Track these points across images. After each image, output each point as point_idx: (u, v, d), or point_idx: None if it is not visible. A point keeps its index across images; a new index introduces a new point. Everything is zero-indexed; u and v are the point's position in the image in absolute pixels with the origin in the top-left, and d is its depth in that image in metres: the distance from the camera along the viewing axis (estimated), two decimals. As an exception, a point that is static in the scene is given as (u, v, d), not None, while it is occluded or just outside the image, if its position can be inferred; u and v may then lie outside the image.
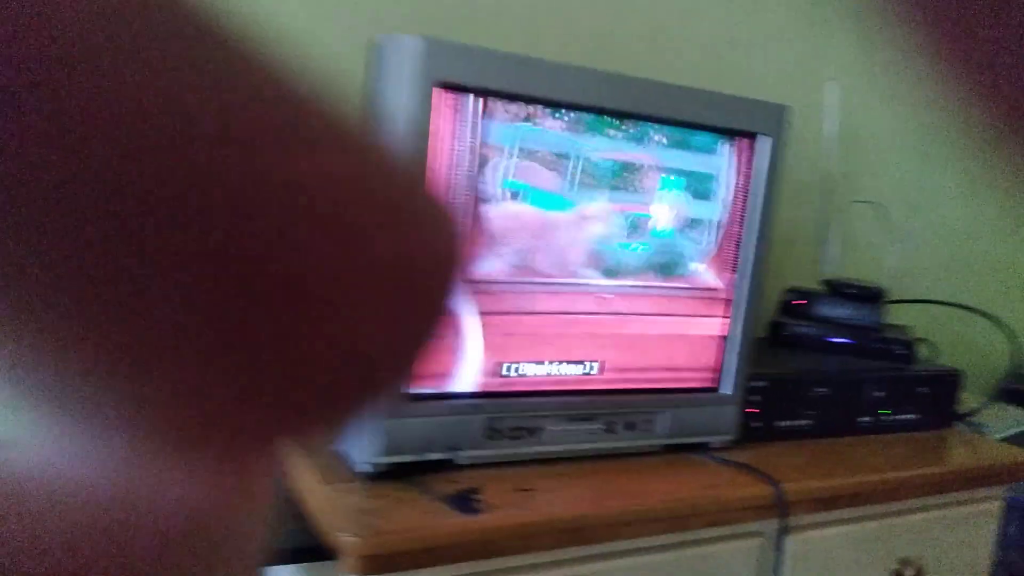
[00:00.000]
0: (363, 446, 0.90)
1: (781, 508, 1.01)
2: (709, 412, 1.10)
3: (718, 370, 1.10)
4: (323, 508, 0.87)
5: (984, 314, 1.46)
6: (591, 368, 1.02)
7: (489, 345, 0.96)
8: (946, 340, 1.61)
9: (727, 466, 1.07)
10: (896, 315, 1.47)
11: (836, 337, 1.35)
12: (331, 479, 0.90)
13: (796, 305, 1.42)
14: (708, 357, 1.09)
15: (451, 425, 0.94)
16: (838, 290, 1.39)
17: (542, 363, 0.99)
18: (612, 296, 1.00)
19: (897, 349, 1.33)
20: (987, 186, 1.90)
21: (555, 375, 1.00)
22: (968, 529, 1.23)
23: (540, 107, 0.91)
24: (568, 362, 1.00)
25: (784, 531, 1.03)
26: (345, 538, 0.79)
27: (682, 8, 1.44)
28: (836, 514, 1.09)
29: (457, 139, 0.87)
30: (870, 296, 1.39)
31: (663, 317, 1.05)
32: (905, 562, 1.15)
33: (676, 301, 1.05)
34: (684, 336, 1.07)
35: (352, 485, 0.90)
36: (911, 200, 1.77)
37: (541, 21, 1.30)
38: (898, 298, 1.52)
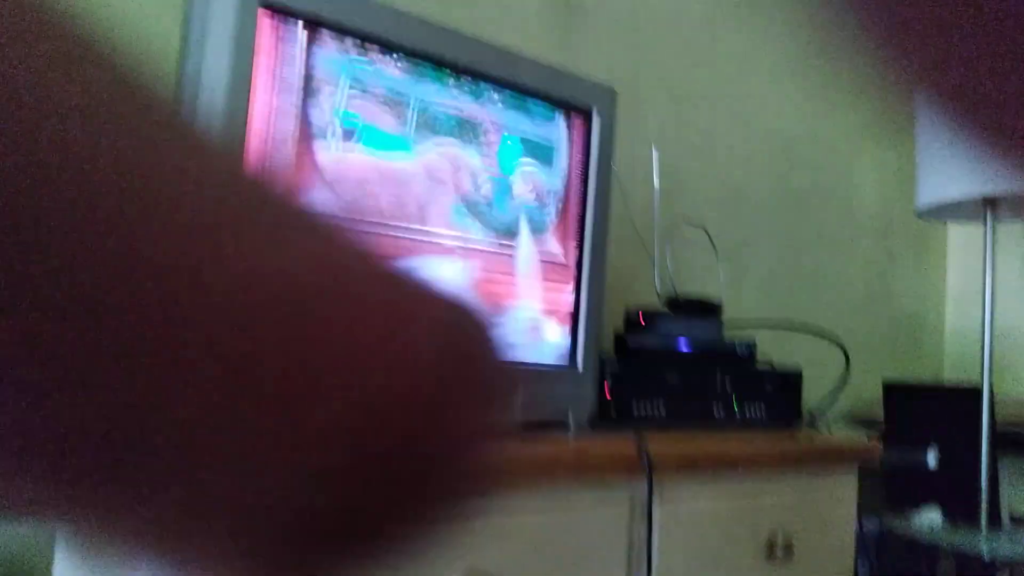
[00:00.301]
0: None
1: (646, 463, 0.97)
2: (565, 389, 1.07)
3: (570, 346, 1.08)
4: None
5: (815, 333, 1.54)
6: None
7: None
8: (780, 359, 1.67)
9: (588, 435, 1.03)
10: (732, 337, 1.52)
11: (679, 345, 1.37)
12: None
13: (638, 323, 1.44)
14: (558, 331, 1.07)
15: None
16: (677, 306, 1.43)
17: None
18: (454, 249, 0.98)
19: (740, 350, 1.36)
20: (794, 248, 2.07)
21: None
22: (827, 508, 1.23)
23: (374, 46, 0.91)
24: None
25: (651, 493, 0.98)
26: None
27: None
28: (704, 489, 1.06)
29: (284, 65, 0.85)
30: (709, 310, 1.43)
31: (509, 279, 1.03)
32: (773, 537, 1.12)
33: (521, 265, 1.04)
34: (533, 305, 1.05)
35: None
36: (727, 244, 1.89)
37: None
38: (730, 317, 1.57)
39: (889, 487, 1.84)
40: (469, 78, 0.98)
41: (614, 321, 1.47)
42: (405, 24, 0.93)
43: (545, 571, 0.91)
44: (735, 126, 1.91)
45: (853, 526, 1.27)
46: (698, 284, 1.70)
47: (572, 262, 1.09)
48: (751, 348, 1.37)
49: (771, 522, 1.14)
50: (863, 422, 2.06)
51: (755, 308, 1.93)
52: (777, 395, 1.33)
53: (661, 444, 1.03)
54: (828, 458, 1.22)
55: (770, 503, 1.14)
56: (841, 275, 2.20)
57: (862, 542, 1.76)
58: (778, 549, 1.12)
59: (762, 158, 1.98)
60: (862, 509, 1.63)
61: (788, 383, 1.36)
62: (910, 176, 2.34)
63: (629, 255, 1.59)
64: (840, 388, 1.47)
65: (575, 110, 1.09)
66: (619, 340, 1.40)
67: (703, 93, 1.84)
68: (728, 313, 1.76)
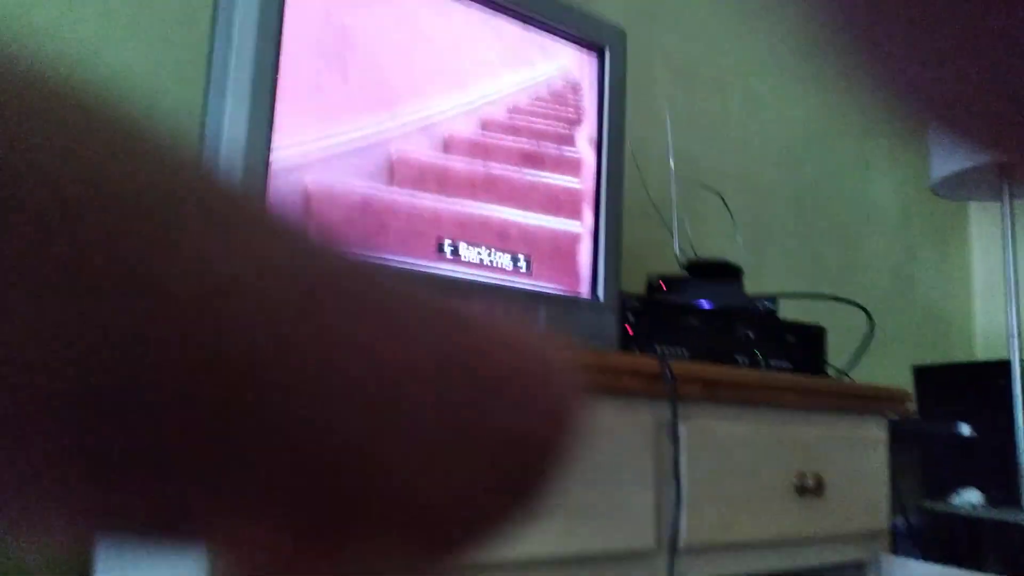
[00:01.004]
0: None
1: (670, 381, 0.96)
2: (588, 318, 1.06)
3: (591, 276, 1.08)
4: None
5: (838, 299, 1.53)
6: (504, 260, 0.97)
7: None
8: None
9: (613, 352, 1.02)
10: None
11: (704, 303, 1.36)
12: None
13: (661, 288, 1.43)
14: (579, 262, 1.07)
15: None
16: (699, 269, 1.42)
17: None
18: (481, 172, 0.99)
19: (763, 305, 1.35)
20: (806, 240, 2.06)
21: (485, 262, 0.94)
22: (858, 454, 1.20)
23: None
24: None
25: (676, 411, 0.96)
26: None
27: None
28: (729, 411, 1.04)
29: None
30: (730, 272, 1.42)
31: (530, 205, 1.03)
32: (803, 473, 1.09)
33: (543, 188, 1.05)
34: (553, 231, 1.06)
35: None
36: (748, 206, 1.89)
37: None
38: (750, 291, 1.56)
39: (926, 474, 1.79)
40: (478, 5, 1.01)
41: (635, 289, 1.47)
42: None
43: (571, 485, 0.89)
44: (746, 114, 1.94)
45: (886, 477, 1.23)
46: (717, 254, 1.69)
47: (590, 192, 1.10)
48: (773, 304, 1.36)
49: (801, 457, 1.11)
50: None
51: (772, 285, 1.92)
52: (800, 349, 1.32)
53: (685, 369, 1.01)
54: (855, 401, 1.20)
55: (799, 438, 1.12)
56: (862, 269, 2.19)
57: (906, 530, 1.70)
58: (809, 482, 1.09)
59: (775, 148, 2.00)
60: (901, 501, 1.59)
61: (812, 337, 1.34)
62: (926, 166, 2.34)
63: (647, 227, 1.60)
64: (865, 347, 1.45)
65: (588, 46, 1.12)
66: (643, 300, 1.39)
67: (713, 80, 1.87)
68: (748, 286, 1.75)
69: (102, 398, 0.10)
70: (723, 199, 1.57)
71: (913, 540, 1.71)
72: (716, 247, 1.74)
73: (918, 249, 2.34)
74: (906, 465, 1.96)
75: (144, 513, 0.11)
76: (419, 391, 0.13)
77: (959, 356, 2.32)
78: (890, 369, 2.16)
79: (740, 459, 1.04)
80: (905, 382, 2.10)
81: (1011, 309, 1.65)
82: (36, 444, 0.10)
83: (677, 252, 1.46)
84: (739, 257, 1.63)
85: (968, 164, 1.60)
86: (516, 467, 0.14)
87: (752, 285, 1.81)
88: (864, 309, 1.47)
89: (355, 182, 0.89)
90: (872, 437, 1.22)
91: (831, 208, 2.12)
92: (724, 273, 1.42)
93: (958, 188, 1.78)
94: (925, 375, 1.84)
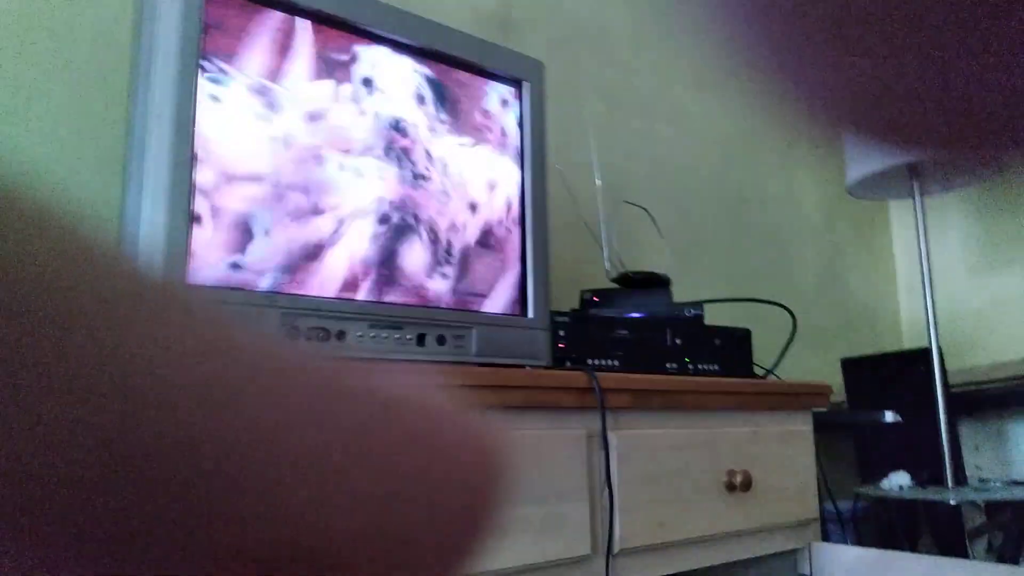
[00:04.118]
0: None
1: (599, 393, 1.01)
2: (520, 336, 1.11)
3: (522, 297, 1.13)
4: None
5: (764, 301, 1.60)
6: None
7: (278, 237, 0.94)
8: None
9: (543, 370, 1.06)
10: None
11: (633, 314, 1.42)
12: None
13: (593, 301, 1.49)
14: (509, 283, 1.12)
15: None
16: (628, 281, 1.48)
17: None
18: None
19: (688, 312, 1.41)
20: (739, 243, 2.14)
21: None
22: (785, 449, 1.26)
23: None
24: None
25: (604, 420, 1.01)
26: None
27: None
28: (658, 418, 1.10)
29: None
30: (658, 282, 1.48)
31: (456, 224, 1.08)
32: (732, 471, 1.15)
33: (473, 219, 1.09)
34: (483, 259, 1.10)
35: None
36: (675, 245, 1.96)
37: None
38: (679, 300, 1.63)
39: (859, 460, 1.87)
40: (391, 48, 1.06)
41: (570, 305, 1.52)
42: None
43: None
44: (669, 128, 2.01)
45: (813, 468, 1.30)
46: (648, 268, 1.76)
47: (515, 216, 1.14)
48: (699, 312, 1.42)
49: (730, 456, 1.17)
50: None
51: (712, 288, 1.99)
52: (728, 352, 1.38)
53: (614, 380, 1.06)
54: (780, 398, 1.26)
55: (726, 439, 1.18)
56: (790, 271, 2.27)
57: (837, 518, 1.78)
58: (738, 479, 1.14)
59: (699, 158, 2.07)
60: (830, 487, 1.66)
61: (738, 341, 1.41)
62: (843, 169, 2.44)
63: (579, 245, 1.65)
64: (789, 345, 1.52)
65: (507, 81, 1.17)
66: (576, 314, 1.45)
67: (635, 98, 1.94)
68: (676, 295, 1.82)
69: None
70: (649, 213, 1.64)
71: (844, 525, 1.78)
72: (646, 260, 1.80)
73: (843, 247, 2.44)
74: (839, 453, 2.04)
75: None
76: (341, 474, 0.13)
77: (888, 347, 2.42)
78: (823, 363, 2.25)
79: (670, 462, 1.10)
80: (837, 375, 2.19)
81: (928, 300, 1.75)
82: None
83: (607, 267, 1.52)
84: (668, 268, 1.69)
85: (879, 166, 1.69)
86: (452, 527, 0.15)
87: (683, 294, 1.88)
88: (786, 308, 1.55)
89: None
90: (798, 431, 1.29)
91: (758, 214, 2.21)
92: (653, 284, 1.48)
93: (873, 188, 1.87)
94: (852, 366, 1.93)
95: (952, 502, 1.54)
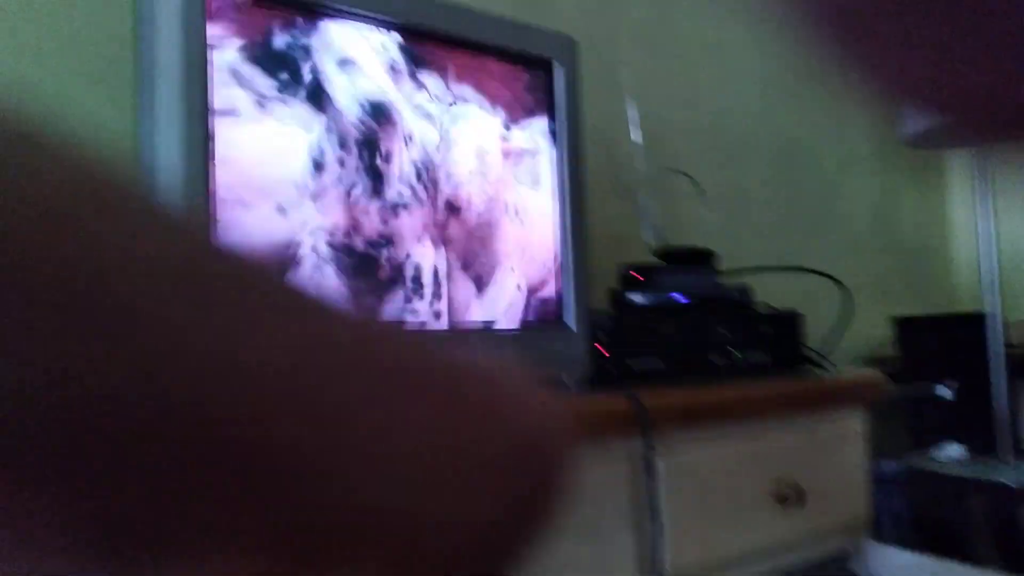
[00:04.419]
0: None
1: (643, 421, 0.94)
2: (558, 347, 1.04)
3: (558, 304, 1.06)
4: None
5: (813, 271, 1.51)
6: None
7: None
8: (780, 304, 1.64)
9: (584, 392, 1.00)
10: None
11: (676, 296, 1.34)
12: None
13: (634, 278, 1.41)
14: (548, 290, 1.05)
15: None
16: (670, 257, 1.39)
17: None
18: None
19: (735, 295, 1.33)
20: (785, 191, 2.03)
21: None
22: (839, 452, 1.20)
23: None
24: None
25: (651, 448, 0.95)
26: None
27: None
28: (705, 434, 1.03)
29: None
30: (702, 257, 1.40)
31: (491, 239, 1.00)
32: (781, 482, 1.10)
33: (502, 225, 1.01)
34: (518, 266, 1.02)
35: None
36: (718, 191, 1.85)
37: None
38: (726, 267, 1.54)
39: (909, 427, 1.81)
40: (415, 38, 0.95)
41: (610, 280, 1.44)
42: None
43: (551, 537, 0.88)
44: (715, 73, 1.87)
45: (865, 465, 1.24)
46: (690, 235, 1.67)
47: (555, 220, 1.06)
48: (746, 293, 1.34)
49: (778, 466, 1.11)
50: (876, 361, 2.02)
51: (750, 255, 1.90)
52: (777, 339, 1.30)
53: (657, 399, 1.00)
54: (833, 397, 1.19)
55: (775, 447, 1.12)
56: (839, 215, 2.16)
57: (882, 483, 1.73)
58: (788, 491, 1.09)
59: (746, 102, 1.94)
60: (882, 450, 1.60)
61: (787, 325, 1.32)
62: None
63: (618, 212, 1.56)
64: (843, 324, 1.43)
65: (535, 62, 1.06)
66: (615, 297, 1.37)
67: (679, 42, 1.81)
68: (723, 261, 1.73)
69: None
70: (692, 179, 1.53)
71: (899, 487, 1.73)
72: (689, 223, 1.70)
73: (897, 192, 2.31)
74: (887, 416, 1.97)
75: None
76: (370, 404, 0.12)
77: (939, 299, 2.32)
78: (871, 315, 2.16)
79: (717, 479, 1.04)
80: (885, 327, 2.11)
81: (988, 263, 1.64)
82: None
83: (648, 238, 1.43)
84: (712, 230, 1.60)
85: (939, 133, 1.56)
86: (499, 494, 0.13)
87: (729, 249, 1.79)
88: (839, 282, 1.45)
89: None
90: (850, 430, 1.22)
91: (807, 161, 2.08)
92: (696, 259, 1.40)
93: (929, 140, 1.74)
94: (906, 325, 1.84)
95: (1012, 486, 1.48)
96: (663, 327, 1.17)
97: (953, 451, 1.61)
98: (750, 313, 1.29)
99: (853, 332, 2.04)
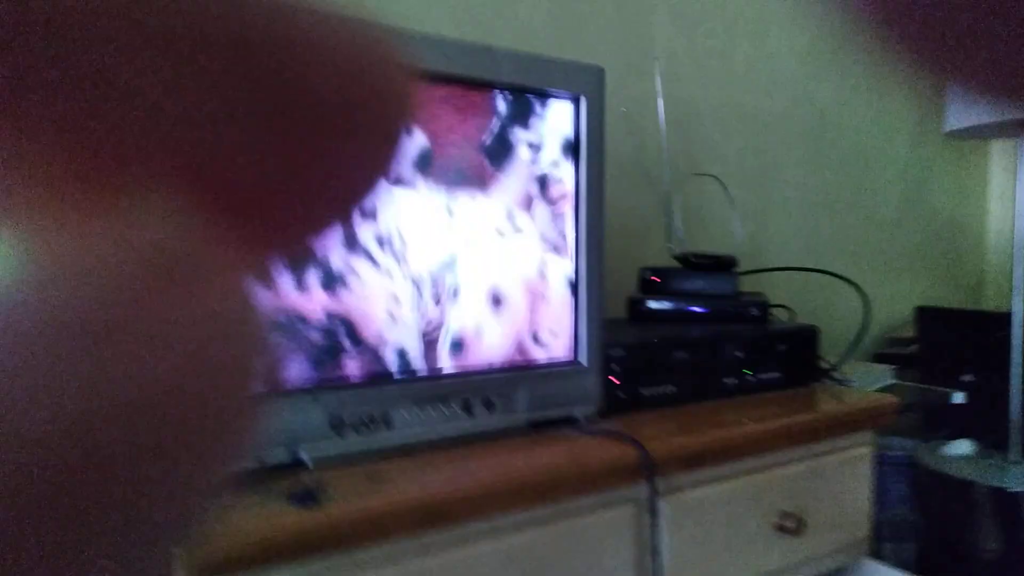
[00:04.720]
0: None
1: (647, 469, 0.98)
2: (570, 384, 1.07)
3: (573, 340, 1.08)
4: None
5: (832, 274, 1.50)
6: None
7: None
8: (803, 306, 1.65)
9: (593, 435, 1.04)
10: (750, 286, 1.50)
11: (692, 307, 1.35)
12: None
13: (652, 282, 1.42)
14: (561, 327, 1.07)
15: (289, 423, 0.87)
16: (690, 263, 1.40)
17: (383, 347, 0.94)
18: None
19: (752, 311, 1.34)
20: (819, 166, 1.99)
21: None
22: (843, 477, 1.23)
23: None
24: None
25: (654, 493, 1.00)
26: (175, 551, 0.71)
27: None
28: (709, 473, 1.07)
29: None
30: (722, 265, 1.40)
31: (509, 269, 1.02)
32: (785, 515, 1.14)
33: (520, 251, 1.03)
34: (533, 304, 1.04)
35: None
36: (750, 172, 1.83)
37: None
38: (750, 268, 1.55)
39: (925, 417, 1.83)
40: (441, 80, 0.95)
41: (627, 283, 1.46)
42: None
43: None
44: (751, 47, 1.82)
45: (869, 487, 1.27)
46: (718, 225, 1.66)
47: (569, 254, 1.07)
48: (763, 308, 1.35)
49: (782, 497, 1.15)
50: (897, 341, 2.03)
51: (782, 232, 1.89)
52: (792, 354, 1.32)
53: (664, 437, 1.03)
54: (842, 425, 1.22)
55: (780, 478, 1.15)
56: (873, 190, 2.12)
57: (887, 466, 1.77)
58: (790, 524, 1.13)
59: (782, 77, 1.89)
60: (893, 431, 1.63)
61: (803, 340, 1.34)
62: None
63: (645, 201, 1.55)
64: (859, 339, 1.44)
65: (564, 98, 1.05)
66: (632, 306, 1.39)
67: (714, 13, 1.75)
68: (751, 245, 1.73)
69: None
70: (720, 181, 1.51)
71: (902, 478, 1.77)
72: (716, 217, 1.69)
73: (934, 172, 2.26)
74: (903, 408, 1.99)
75: None
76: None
77: (968, 285, 2.29)
78: (899, 288, 2.15)
79: (720, 515, 1.08)
80: (910, 311, 2.11)
81: (1019, 263, 1.62)
82: None
83: (670, 243, 1.44)
84: (743, 216, 1.59)
85: (988, 119, 1.51)
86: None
87: (762, 222, 1.78)
88: (860, 291, 1.45)
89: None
90: (857, 454, 1.25)
91: (842, 134, 2.03)
92: (717, 266, 1.41)
93: (972, 133, 1.68)
94: (928, 315, 1.83)
95: (1010, 489, 1.51)
96: (676, 354, 1.19)
97: (963, 447, 1.63)
98: (765, 331, 1.31)
99: (878, 309, 2.04)
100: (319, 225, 0.13)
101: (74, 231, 0.10)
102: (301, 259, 0.13)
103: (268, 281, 0.12)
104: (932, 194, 2.27)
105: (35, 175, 0.10)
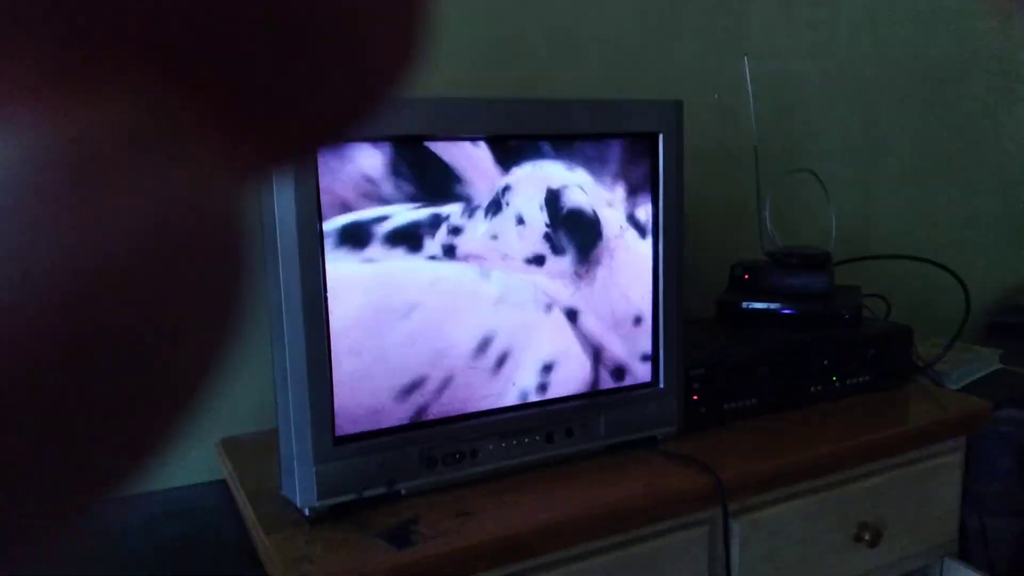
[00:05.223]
0: (303, 490, 0.94)
1: (721, 496, 1.03)
2: (650, 407, 1.12)
3: (652, 364, 1.13)
4: (268, 558, 0.91)
5: (931, 262, 1.46)
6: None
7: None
8: (904, 293, 1.61)
9: (669, 459, 1.09)
10: (849, 274, 1.48)
11: (782, 309, 1.36)
12: (277, 526, 0.94)
13: (743, 279, 1.43)
14: (641, 350, 1.12)
15: (385, 460, 0.97)
16: (781, 260, 1.40)
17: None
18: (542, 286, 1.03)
19: (845, 313, 1.34)
20: (934, 132, 1.89)
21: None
22: (928, 485, 1.24)
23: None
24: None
25: (727, 516, 1.05)
26: (283, 588, 0.83)
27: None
28: (784, 491, 1.11)
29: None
30: (814, 263, 1.39)
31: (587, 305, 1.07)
32: (864, 525, 1.17)
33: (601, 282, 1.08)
34: (614, 329, 1.09)
35: (296, 530, 0.93)
36: (855, 147, 1.77)
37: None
38: (849, 256, 1.52)
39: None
40: (520, 144, 0.99)
41: (721, 275, 1.47)
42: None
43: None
44: (859, 3, 1.73)
45: (958, 492, 1.27)
46: (817, 217, 1.63)
47: (649, 280, 1.11)
48: (856, 310, 1.34)
49: (862, 508, 1.18)
50: (1014, 309, 1.95)
51: (892, 205, 1.83)
52: (883, 357, 1.32)
53: (739, 461, 1.07)
54: (929, 435, 1.22)
55: (860, 490, 1.18)
56: (995, 146, 2.00)
57: (995, 439, 1.74)
58: (867, 536, 1.16)
59: (893, 34, 1.79)
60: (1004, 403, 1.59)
61: (896, 342, 1.33)
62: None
63: (740, 191, 1.54)
64: (959, 332, 1.41)
65: (640, 138, 1.06)
66: (720, 306, 1.41)
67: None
68: (855, 225, 1.70)
69: None
70: (817, 176, 1.48)
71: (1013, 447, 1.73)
72: (814, 209, 1.65)
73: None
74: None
75: None
76: None
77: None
78: (1015, 250, 2.05)
79: (796, 532, 1.13)
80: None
81: None
82: None
83: (762, 242, 1.43)
84: (835, 229, 1.56)
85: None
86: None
87: (870, 198, 1.74)
88: (960, 280, 1.41)
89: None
90: (945, 462, 1.25)
91: (961, 86, 1.91)
92: (810, 264, 1.40)
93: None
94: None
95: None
96: (758, 373, 1.22)
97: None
98: (855, 337, 1.30)
99: (996, 274, 1.96)
100: (310, 137, 0.13)
101: (56, 106, 0.10)
102: (289, 166, 0.13)
103: (246, 178, 0.12)
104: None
105: (20, 56, 0.10)
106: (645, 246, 1.10)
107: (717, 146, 1.56)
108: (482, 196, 0.98)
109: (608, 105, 1.05)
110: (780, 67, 1.64)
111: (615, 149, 1.05)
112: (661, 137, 1.07)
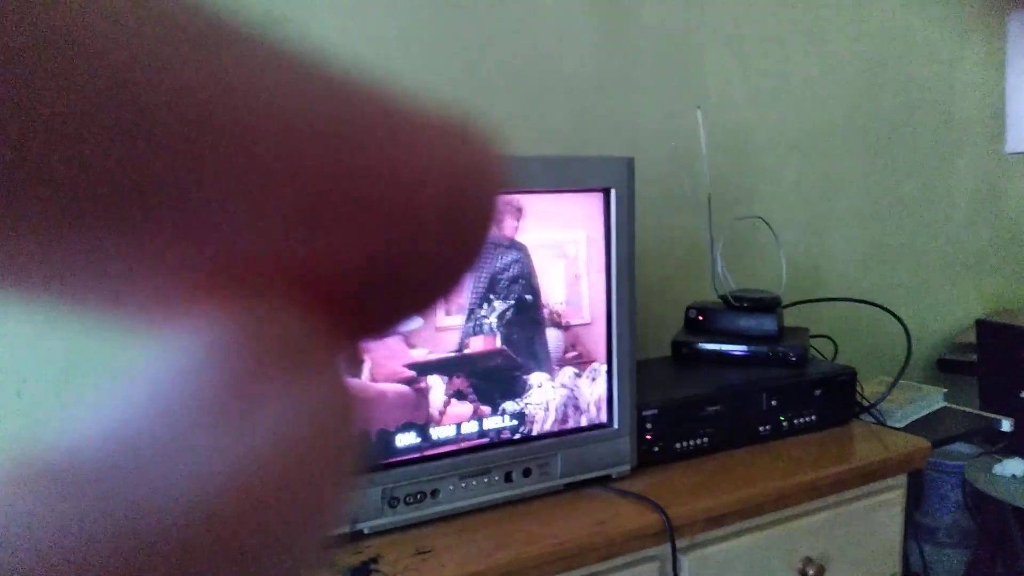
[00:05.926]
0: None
1: (670, 534, 1.08)
2: (604, 447, 1.18)
3: (609, 405, 1.18)
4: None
5: (877, 306, 1.54)
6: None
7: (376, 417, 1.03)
8: (852, 334, 1.69)
9: (622, 497, 1.14)
10: (799, 316, 1.55)
11: (733, 350, 1.42)
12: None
13: (697, 321, 1.50)
14: (597, 393, 1.17)
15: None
16: (732, 303, 1.47)
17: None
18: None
19: (791, 355, 1.40)
20: (884, 177, 1.98)
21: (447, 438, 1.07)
22: (871, 521, 1.30)
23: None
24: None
25: (676, 553, 1.10)
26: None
27: (552, 45, 1.52)
28: (732, 528, 1.16)
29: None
30: (763, 306, 1.46)
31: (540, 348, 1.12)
32: (808, 561, 1.22)
33: (555, 326, 1.13)
34: (569, 375, 1.15)
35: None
36: (808, 189, 1.85)
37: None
38: (800, 299, 1.59)
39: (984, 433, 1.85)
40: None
41: (676, 315, 1.53)
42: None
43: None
44: (811, 54, 1.82)
45: (900, 528, 1.34)
46: (769, 261, 1.70)
47: (601, 328, 1.16)
48: (803, 352, 1.41)
49: (806, 544, 1.23)
50: (963, 347, 2.03)
51: (843, 244, 1.91)
52: (828, 397, 1.38)
53: (688, 499, 1.13)
54: (871, 474, 1.28)
55: (806, 525, 1.23)
56: (943, 189, 2.10)
57: (942, 474, 1.81)
58: (811, 573, 1.21)
59: (844, 83, 1.88)
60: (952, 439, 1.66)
61: (840, 383, 1.40)
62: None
63: (697, 235, 1.61)
64: (901, 373, 1.48)
65: (594, 191, 1.13)
66: (676, 346, 1.47)
67: (770, 23, 1.75)
68: (808, 264, 1.77)
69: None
70: (767, 223, 1.55)
71: (959, 481, 1.81)
72: (768, 236, 1.73)
73: (1013, 164, 2.19)
74: (963, 392, 2.00)
75: None
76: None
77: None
78: (966, 291, 2.13)
79: (742, 567, 1.18)
80: (980, 307, 2.09)
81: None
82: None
83: (715, 285, 1.50)
84: (785, 274, 1.63)
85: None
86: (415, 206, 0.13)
87: (822, 238, 1.81)
88: (903, 325, 1.48)
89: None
90: (887, 499, 1.31)
91: (909, 136, 2.01)
92: (758, 308, 1.46)
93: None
94: (987, 330, 1.83)
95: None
96: (708, 413, 1.28)
97: (1015, 467, 1.66)
98: (800, 377, 1.37)
99: (941, 307, 2.04)
100: (403, 315, 0.14)
101: (210, 319, 0.11)
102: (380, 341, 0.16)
103: (356, 365, 0.16)
104: (1009, 189, 2.22)
105: (180, 276, 0.11)
106: (599, 293, 1.16)
107: (673, 193, 1.63)
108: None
109: (563, 162, 1.11)
110: (734, 117, 1.72)
111: (569, 203, 1.11)
112: (613, 192, 1.13)
